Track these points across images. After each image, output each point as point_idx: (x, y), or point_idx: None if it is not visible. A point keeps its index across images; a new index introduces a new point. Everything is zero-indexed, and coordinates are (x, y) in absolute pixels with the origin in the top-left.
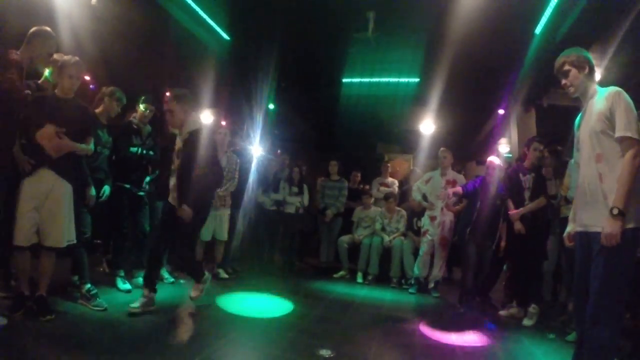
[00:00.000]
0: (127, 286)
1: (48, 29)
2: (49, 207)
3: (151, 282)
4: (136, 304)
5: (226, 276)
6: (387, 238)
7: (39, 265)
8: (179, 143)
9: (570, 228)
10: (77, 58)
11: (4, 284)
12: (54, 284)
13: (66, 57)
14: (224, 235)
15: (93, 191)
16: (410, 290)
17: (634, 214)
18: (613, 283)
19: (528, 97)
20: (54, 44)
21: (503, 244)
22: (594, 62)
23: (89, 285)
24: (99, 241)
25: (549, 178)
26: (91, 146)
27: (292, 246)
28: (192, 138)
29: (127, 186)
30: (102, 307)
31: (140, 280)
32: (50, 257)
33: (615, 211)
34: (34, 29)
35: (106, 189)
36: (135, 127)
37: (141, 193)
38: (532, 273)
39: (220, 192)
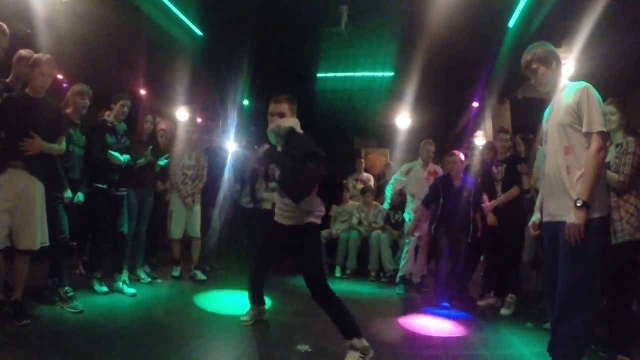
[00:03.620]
0: (104, 289)
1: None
2: (21, 210)
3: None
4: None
5: (204, 278)
6: (366, 229)
7: (13, 269)
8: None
9: (535, 218)
10: (48, 56)
11: None
12: (30, 288)
13: (37, 55)
14: (197, 232)
15: (69, 193)
16: (397, 292)
17: (600, 204)
18: (581, 272)
19: (503, 90)
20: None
21: (480, 234)
22: (567, 55)
23: (67, 288)
24: (74, 243)
25: (525, 173)
26: (63, 146)
27: None
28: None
29: (104, 187)
30: (78, 309)
31: (120, 284)
32: (24, 260)
33: (580, 203)
34: None
35: (80, 196)
36: (110, 125)
37: (121, 193)
38: (509, 263)
39: (189, 190)
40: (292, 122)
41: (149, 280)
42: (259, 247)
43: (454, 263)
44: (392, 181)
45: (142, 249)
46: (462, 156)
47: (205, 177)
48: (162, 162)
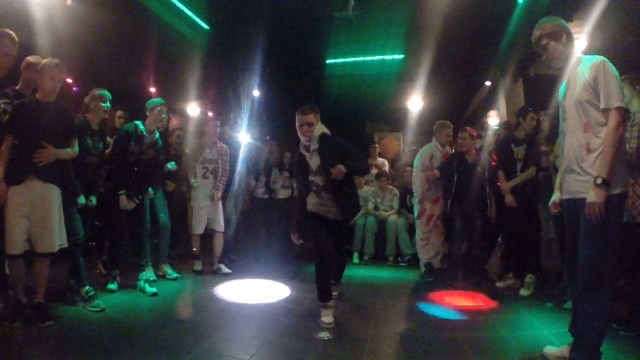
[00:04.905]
0: (113, 286)
1: (6, 30)
2: (39, 214)
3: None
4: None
5: (229, 271)
6: (383, 214)
7: (34, 272)
8: (315, 160)
9: (556, 197)
10: (57, 60)
11: (1, 294)
12: (51, 290)
13: (46, 60)
14: (221, 226)
15: (83, 199)
16: (427, 279)
17: (620, 180)
18: (602, 248)
19: (515, 68)
20: (8, 43)
21: (494, 211)
22: (579, 29)
23: (87, 288)
24: (93, 243)
25: (546, 153)
26: (76, 149)
27: (287, 232)
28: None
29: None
30: (100, 308)
31: (142, 283)
32: (44, 263)
33: (600, 180)
34: None
35: (93, 199)
36: (139, 133)
37: (135, 199)
38: (527, 243)
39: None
40: (321, 128)
41: (175, 275)
42: (321, 245)
43: (470, 243)
44: (417, 175)
45: (166, 244)
46: (473, 132)
47: (228, 172)
48: (171, 165)
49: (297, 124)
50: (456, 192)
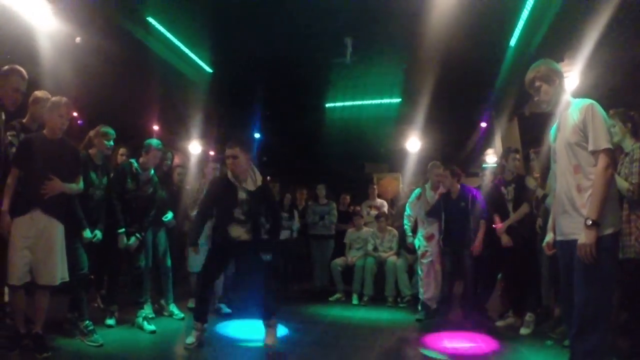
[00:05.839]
0: (111, 321)
1: (16, 66)
2: (41, 247)
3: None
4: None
5: (229, 311)
6: (382, 255)
7: (33, 303)
8: (242, 194)
9: (549, 237)
10: (66, 99)
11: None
12: (50, 321)
13: (56, 98)
14: None
15: (88, 233)
16: (418, 317)
17: (612, 220)
18: (596, 289)
19: (510, 108)
20: (19, 79)
21: (477, 245)
22: (570, 67)
23: (87, 322)
24: (92, 276)
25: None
26: (81, 185)
27: (285, 272)
28: (268, 190)
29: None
30: (98, 343)
31: (141, 320)
32: (44, 294)
33: (589, 222)
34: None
35: (98, 234)
36: (134, 170)
37: (137, 235)
38: (526, 282)
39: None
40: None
41: (182, 315)
42: (208, 266)
43: (464, 282)
44: (406, 214)
45: (170, 284)
46: (456, 170)
47: None
48: (167, 218)
49: (225, 155)
50: (445, 229)
